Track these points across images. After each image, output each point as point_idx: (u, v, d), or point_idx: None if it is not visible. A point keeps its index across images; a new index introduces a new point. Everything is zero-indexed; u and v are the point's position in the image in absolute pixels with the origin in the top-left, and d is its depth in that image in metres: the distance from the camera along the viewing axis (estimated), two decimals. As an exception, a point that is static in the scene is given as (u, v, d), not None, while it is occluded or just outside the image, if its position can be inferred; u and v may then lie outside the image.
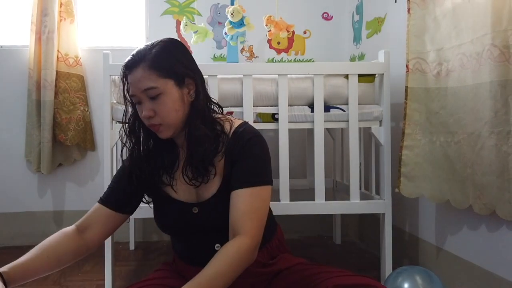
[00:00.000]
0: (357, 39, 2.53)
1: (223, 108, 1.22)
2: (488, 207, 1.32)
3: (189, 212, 1.11)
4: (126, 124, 1.13)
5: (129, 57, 1.07)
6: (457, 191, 1.45)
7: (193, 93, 1.08)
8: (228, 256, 0.96)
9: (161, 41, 1.09)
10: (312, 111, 1.72)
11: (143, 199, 1.18)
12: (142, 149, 1.13)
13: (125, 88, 1.08)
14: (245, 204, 1.02)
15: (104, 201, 1.14)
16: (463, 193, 1.42)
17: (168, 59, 1.06)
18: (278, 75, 1.70)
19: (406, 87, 1.58)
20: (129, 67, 1.05)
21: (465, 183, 1.41)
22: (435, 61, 1.51)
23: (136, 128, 1.12)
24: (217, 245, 1.08)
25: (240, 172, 1.06)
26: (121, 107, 1.72)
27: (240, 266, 0.97)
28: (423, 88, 1.55)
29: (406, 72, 1.58)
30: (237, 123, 1.13)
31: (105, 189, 1.77)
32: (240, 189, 1.04)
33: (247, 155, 1.07)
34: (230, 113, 1.69)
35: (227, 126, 1.11)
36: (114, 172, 1.77)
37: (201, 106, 1.09)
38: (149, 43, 1.09)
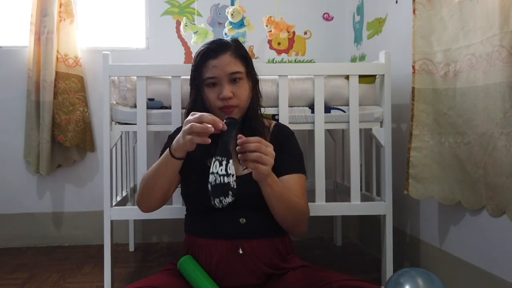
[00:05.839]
0: (357, 39, 2.52)
1: None
2: (500, 208, 1.31)
3: None
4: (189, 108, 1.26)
5: (210, 45, 1.24)
6: (468, 192, 1.44)
7: (252, 87, 1.28)
8: (299, 201, 1.17)
9: (231, 39, 1.28)
10: (313, 112, 1.71)
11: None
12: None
13: (196, 72, 1.24)
14: (299, 186, 1.21)
15: None
16: (476, 194, 1.41)
17: (246, 52, 1.28)
18: (279, 75, 1.69)
19: (413, 88, 1.57)
20: (216, 52, 1.21)
21: (477, 184, 1.40)
22: (442, 62, 1.50)
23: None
24: (241, 219, 1.17)
25: (292, 159, 1.26)
26: (121, 108, 1.72)
27: (299, 212, 1.17)
28: (431, 89, 1.54)
29: (413, 73, 1.57)
30: (269, 119, 1.39)
31: (104, 190, 1.77)
32: (293, 174, 1.22)
33: (293, 147, 1.29)
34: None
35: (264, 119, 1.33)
36: (114, 173, 1.76)
37: (258, 101, 1.31)
38: (215, 40, 1.27)
